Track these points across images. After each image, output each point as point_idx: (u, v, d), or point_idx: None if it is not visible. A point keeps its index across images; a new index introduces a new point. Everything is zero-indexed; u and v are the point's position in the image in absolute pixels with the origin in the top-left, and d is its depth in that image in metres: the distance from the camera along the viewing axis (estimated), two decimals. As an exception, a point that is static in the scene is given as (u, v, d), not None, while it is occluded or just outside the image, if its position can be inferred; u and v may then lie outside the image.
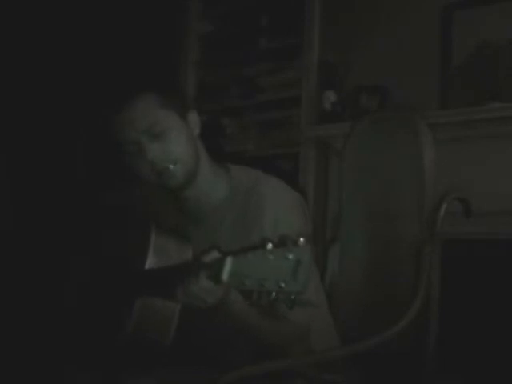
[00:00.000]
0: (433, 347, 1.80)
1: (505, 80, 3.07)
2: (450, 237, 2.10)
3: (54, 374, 1.66)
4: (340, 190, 2.09)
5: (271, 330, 1.61)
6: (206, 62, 4.37)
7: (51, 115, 3.72)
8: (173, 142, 1.65)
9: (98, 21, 3.89)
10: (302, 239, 1.28)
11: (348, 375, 1.80)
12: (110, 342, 1.60)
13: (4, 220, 3.45)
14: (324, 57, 3.74)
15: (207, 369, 1.59)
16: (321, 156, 3.68)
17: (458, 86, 3.22)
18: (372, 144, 2.02)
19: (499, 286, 2.97)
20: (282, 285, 1.29)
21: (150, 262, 1.57)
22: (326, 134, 3.56)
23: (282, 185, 1.74)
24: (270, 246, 1.29)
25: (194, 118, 1.73)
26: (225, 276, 1.33)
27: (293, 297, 1.31)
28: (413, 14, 3.41)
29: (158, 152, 1.63)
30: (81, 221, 1.95)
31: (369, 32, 3.57)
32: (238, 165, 1.80)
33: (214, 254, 1.41)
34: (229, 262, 1.33)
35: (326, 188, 3.60)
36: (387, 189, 1.95)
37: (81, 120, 3.69)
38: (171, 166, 1.64)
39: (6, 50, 3.65)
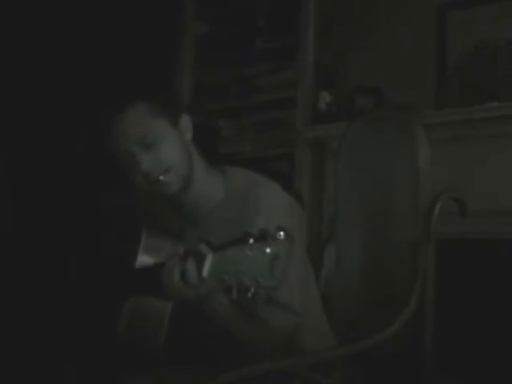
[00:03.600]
0: (430, 347, 1.81)
1: (502, 80, 3.08)
2: (447, 236, 2.11)
3: (52, 374, 1.67)
4: (336, 190, 2.09)
5: (250, 332, 1.62)
6: (202, 62, 4.37)
7: (50, 116, 3.73)
8: (165, 151, 1.66)
9: (92, 23, 3.89)
10: (281, 233, 1.30)
11: (347, 375, 1.81)
12: (104, 342, 1.60)
13: (4, 220, 3.45)
14: (320, 57, 3.75)
15: (206, 369, 1.60)
16: (316, 156, 3.68)
17: (455, 86, 3.23)
18: (368, 144, 2.03)
19: (495, 286, 2.97)
20: (260, 279, 1.30)
21: (141, 262, 1.58)
22: (321, 135, 3.56)
23: (278, 189, 1.74)
24: (251, 241, 1.31)
25: (186, 122, 1.74)
26: (205, 273, 1.37)
27: (269, 292, 1.34)
28: (409, 14, 3.42)
29: (151, 163, 1.65)
30: (74, 220, 1.95)
31: (365, 32, 3.58)
32: (235, 167, 1.81)
33: (201, 251, 1.42)
34: (209, 260, 1.36)
35: (321, 188, 3.60)
36: (383, 189, 1.96)
37: (80, 120, 3.70)
38: (162, 178, 1.66)
39: (4, 54, 3.66)
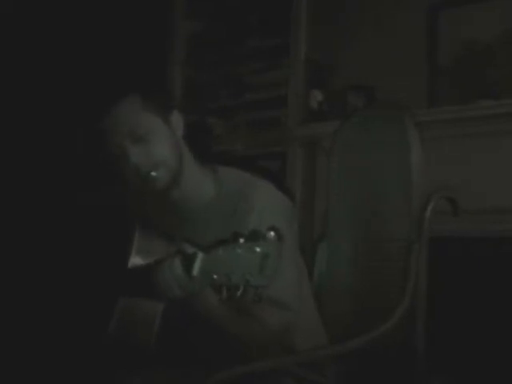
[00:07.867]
0: (422, 346, 1.80)
1: (495, 77, 3.08)
2: (439, 235, 2.11)
3: (46, 375, 1.66)
4: (328, 188, 2.09)
5: (242, 329, 1.61)
6: (194, 61, 4.37)
7: (47, 115, 3.72)
8: (155, 146, 1.66)
9: (83, 21, 3.88)
10: (271, 233, 1.32)
11: (337, 375, 1.81)
12: (95, 342, 1.60)
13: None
14: (311, 56, 3.75)
15: (198, 369, 1.59)
16: (308, 155, 3.68)
17: (448, 84, 3.23)
18: (360, 142, 2.02)
19: (489, 285, 2.97)
20: (249, 278, 1.32)
21: (133, 262, 1.57)
22: (313, 133, 3.57)
23: (271, 189, 1.74)
24: (241, 240, 1.33)
25: (177, 119, 1.73)
26: (195, 271, 1.38)
27: (259, 290, 1.34)
28: (401, 12, 3.42)
29: (141, 156, 1.64)
30: (64, 221, 1.94)
31: (357, 31, 3.58)
32: (227, 165, 1.80)
33: (191, 250, 1.44)
34: (199, 258, 1.38)
35: (313, 187, 3.60)
36: (375, 187, 1.96)
37: (72, 118, 3.68)
38: (153, 174, 1.65)
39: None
